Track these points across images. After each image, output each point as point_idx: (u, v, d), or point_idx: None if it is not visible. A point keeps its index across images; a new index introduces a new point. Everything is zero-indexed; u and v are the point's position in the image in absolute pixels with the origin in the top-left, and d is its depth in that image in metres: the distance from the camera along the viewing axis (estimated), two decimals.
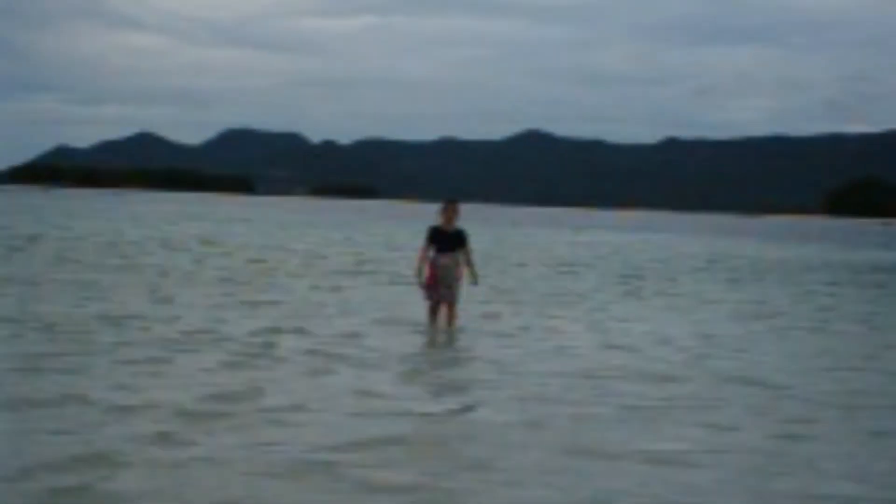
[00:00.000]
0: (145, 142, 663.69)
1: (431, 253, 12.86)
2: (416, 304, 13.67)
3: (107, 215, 55.10)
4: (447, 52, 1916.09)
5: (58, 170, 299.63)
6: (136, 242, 29.77)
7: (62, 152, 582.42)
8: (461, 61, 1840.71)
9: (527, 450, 6.89)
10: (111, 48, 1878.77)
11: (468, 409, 8.35)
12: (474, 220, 70.30)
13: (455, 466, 6.41)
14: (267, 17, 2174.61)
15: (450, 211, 12.97)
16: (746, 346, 12.61)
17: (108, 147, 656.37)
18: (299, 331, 12.19)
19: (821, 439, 7.66)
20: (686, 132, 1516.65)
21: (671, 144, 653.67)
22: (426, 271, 12.82)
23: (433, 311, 13.02)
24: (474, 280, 13.11)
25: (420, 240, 13.34)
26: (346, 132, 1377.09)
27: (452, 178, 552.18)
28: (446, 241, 12.86)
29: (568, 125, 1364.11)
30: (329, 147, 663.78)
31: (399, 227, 53.93)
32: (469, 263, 13.00)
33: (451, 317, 12.98)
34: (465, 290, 13.41)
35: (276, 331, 12.05)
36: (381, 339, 11.83)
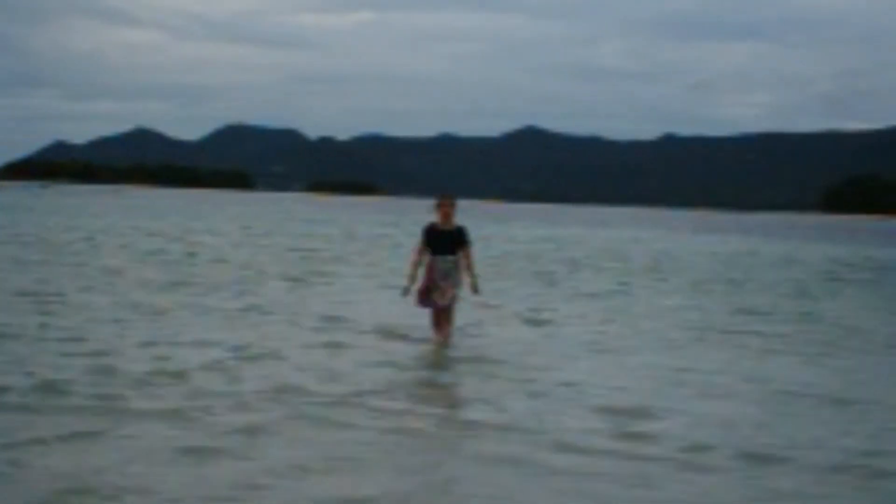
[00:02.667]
0: (142, 137, 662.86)
1: (427, 256, 11.24)
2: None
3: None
4: (443, 48, 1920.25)
5: (55, 165, 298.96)
6: None
7: (59, 148, 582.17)
8: (457, 57, 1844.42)
9: None
10: (106, 44, 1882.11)
11: None
12: (480, 217, 70.02)
13: None
14: (262, 12, 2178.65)
15: (445, 206, 11.27)
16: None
17: (105, 143, 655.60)
18: None
19: None
20: (684, 128, 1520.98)
21: (669, 141, 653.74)
22: (422, 276, 11.26)
23: (435, 317, 11.42)
24: (475, 288, 11.30)
25: (414, 241, 11.68)
26: (344, 128, 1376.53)
27: (451, 174, 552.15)
28: (444, 241, 11.23)
29: (565, 121, 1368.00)
30: (327, 143, 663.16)
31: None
32: (470, 268, 11.27)
33: (446, 325, 11.39)
34: (467, 300, 11.97)
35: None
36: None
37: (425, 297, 11.22)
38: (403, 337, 11.70)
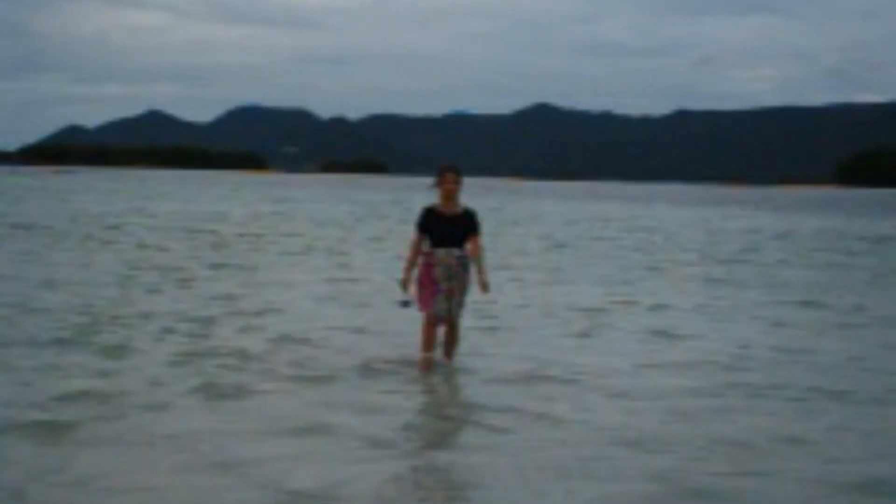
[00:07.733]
0: (154, 120, 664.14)
1: (426, 247, 8.37)
2: None
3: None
4: (450, 26, 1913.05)
5: (67, 149, 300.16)
6: None
7: (72, 132, 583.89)
8: (466, 35, 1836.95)
9: None
10: (111, 26, 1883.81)
11: None
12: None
13: None
14: None
15: (449, 182, 8.30)
16: None
17: (117, 126, 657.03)
18: None
19: None
20: (695, 103, 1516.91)
21: (681, 116, 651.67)
22: (418, 272, 8.42)
23: (429, 331, 8.40)
24: (483, 286, 8.30)
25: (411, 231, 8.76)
26: (355, 108, 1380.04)
27: (463, 152, 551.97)
28: (449, 229, 8.32)
29: (576, 98, 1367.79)
30: (338, 123, 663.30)
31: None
32: (478, 262, 8.32)
33: (451, 342, 8.65)
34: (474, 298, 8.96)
35: None
36: None
37: (427, 296, 8.36)
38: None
